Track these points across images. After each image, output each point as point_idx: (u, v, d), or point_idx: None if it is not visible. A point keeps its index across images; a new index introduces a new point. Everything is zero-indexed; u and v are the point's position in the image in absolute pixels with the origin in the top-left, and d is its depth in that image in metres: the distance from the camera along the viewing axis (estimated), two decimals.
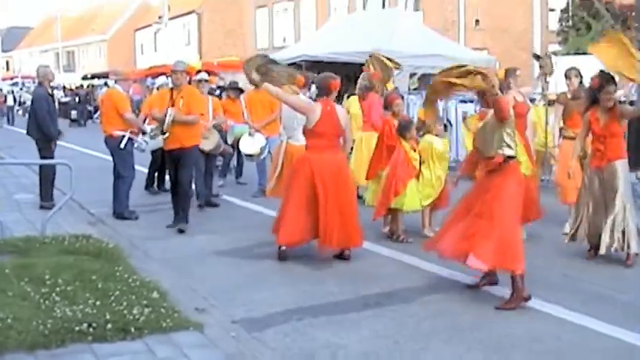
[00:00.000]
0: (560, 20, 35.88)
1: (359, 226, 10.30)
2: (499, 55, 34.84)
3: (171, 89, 12.71)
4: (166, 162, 13.17)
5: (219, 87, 23.38)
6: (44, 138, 14.32)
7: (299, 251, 10.35)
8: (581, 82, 12.41)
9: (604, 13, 33.10)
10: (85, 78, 56.87)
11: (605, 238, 9.76)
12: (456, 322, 7.80)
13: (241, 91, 17.23)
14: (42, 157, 14.30)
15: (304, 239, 10.23)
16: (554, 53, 34.08)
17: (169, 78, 14.09)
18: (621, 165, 9.95)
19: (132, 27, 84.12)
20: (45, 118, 14.30)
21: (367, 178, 12.48)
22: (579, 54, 29.44)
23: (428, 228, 11.77)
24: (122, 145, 13.43)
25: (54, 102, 16.16)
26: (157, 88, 17.16)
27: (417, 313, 8.04)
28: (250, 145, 15.26)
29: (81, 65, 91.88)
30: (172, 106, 12.28)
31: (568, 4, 35.09)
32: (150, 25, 72.57)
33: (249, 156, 15.52)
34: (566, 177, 10.95)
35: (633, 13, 33.82)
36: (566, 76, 12.79)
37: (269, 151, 15.00)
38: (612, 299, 8.54)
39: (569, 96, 12.36)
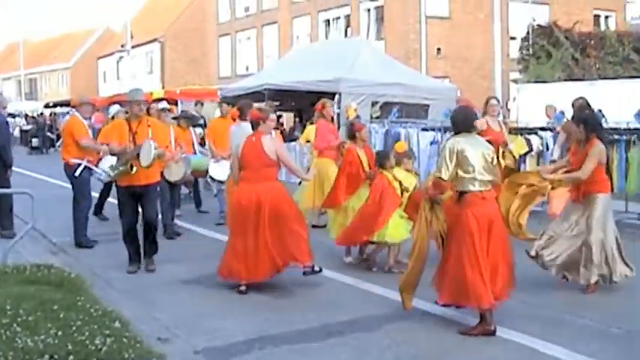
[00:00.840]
0: (520, 48, 36.16)
1: (307, 245, 10.31)
2: (461, 82, 35.11)
3: (128, 120, 11.61)
4: (123, 198, 11.59)
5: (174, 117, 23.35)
6: (1, 165, 14.19)
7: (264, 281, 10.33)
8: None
9: (563, 41, 33.49)
10: (47, 106, 56.56)
11: (583, 271, 9.84)
12: (420, 350, 7.85)
13: (192, 120, 17.25)
14: None
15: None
16: (515, 81, 34.50)
17: (123, 107, 14.11)
18: (600, 198, 9.88)
19: (95, 55, 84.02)
20: (5, 146, 14.22)
21: (325, 206, 12.52)
22: (540, 82, 29.74)
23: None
24: (77, 173, 13.40)
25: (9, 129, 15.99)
26: (112, 117, 16.61)
27: (380, 342, 8.06)
28: (221, 171, 15.27)
29: (43, 93, 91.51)
30: (134, 138, 11.24)
31: (528, 32, 35.41)
32: (112, 53, 72.37)
33: (222, 182, 15.54)
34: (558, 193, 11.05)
35: (592, 41, 34.28)
36: (573, 106, 12.93)
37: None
38: (570, 324, 8.63)
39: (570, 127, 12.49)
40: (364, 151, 12.33)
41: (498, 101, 14.40)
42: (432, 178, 8.68)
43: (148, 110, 16.34)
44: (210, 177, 15.75)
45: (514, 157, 13.63)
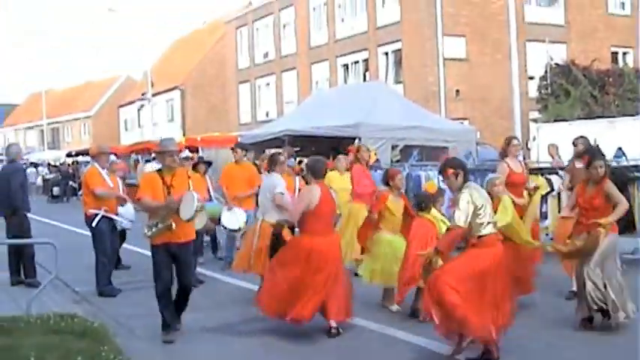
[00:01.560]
0: (539, 88, 36.21)
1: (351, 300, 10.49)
2: (480, 123, 35.21)
3: (161, 172, 10.44)
4: (158, 257, 10.35)
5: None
6: (15, 212, 14.26)
7: (285, 327, 10.32)
8: None
9: (582, 79, 33.52)
10: (69, 155, 56.91)
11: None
12: None
13: (209, 165, 17.26)
14: (13, 234, 14.21)
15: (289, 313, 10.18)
16: (535, 120, 34.44)
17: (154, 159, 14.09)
18: (608, 236, 9.75)
19: (116, 103, 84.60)
20: (17, 191, 14.29)
21: (363, 253, 12.38)
22: (559, 120, 29.72)
23: None
24: (94, 224, 13.42)
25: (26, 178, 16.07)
26: None
27: None
28: (234, 220, 15.26)
29: (66, 141, 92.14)
30: (169, 192, 10.18)
31: (546, 71, 35.45)
32: (134, 102, 72.84)
33: (234, 231, 15.50)
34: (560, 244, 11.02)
35: (610, 79, 34.27)
36: (574, 144, 12.89)
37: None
38: None
39: (576, 165, 12.37)
40: (400, 198, 12.07)
41: (519, 141, 14.33)
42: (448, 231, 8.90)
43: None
44: (223, 225, 15.60)
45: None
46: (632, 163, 14.80)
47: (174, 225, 10.03)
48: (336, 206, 10.61)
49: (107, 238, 13.67)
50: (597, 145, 10.22)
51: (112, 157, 16.75)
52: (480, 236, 8.55)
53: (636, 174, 14.09)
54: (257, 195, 15.98)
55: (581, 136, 12.96)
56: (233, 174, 16.03)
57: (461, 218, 8.45)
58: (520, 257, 11.04)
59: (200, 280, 14.54)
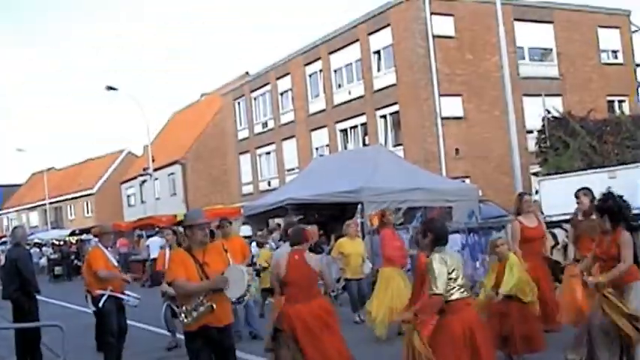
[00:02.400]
0: (537, 141, 36.32)
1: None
2: (481, 181, 35.29)
3: (189, 249, 9.30)
4: (196, 345, 9.11)
5: None
6: (26, 297, 14.28)
7: None
8: (592, 201, 12.40)
9: (579, 130, 33.63)
10: (72, 234, 57.01)
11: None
12: None
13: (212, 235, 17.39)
14: (21, 318, 14.19)
15: None
16: (535, 174, 34.53)
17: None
18: (633, 287, 9.49)
19: (118, 179, 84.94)
20: (31, 278, 14.36)
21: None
22: (559, 173, 29.79)
23: None
24: (100, 304, 13.35)
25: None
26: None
27: None
28: (236, 289, 15.31)
29: (69, 220, 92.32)
30: (204, 271, 9.14)
31: (544, 125, 35.61)
32: (135, 177, 73.13)
33: (238, 301, 15.53)
34: (566, 297, 11.02)
35: (608, 128, 34.41)
36: (576, 197, 12.89)
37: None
38: None
39: (579, 217, 12.41)
40: None
41: (530, 196, 14.36)
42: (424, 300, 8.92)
43: (175, 233, 16.66)
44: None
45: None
46: (635, 211, 14.80)
47: (214, 306, 8.89)
48: (312, 272, 10.60)
49: (114, 318, 13.52)
50: (620, 196, 10.10)
51: None
52: (447, 301, 8.39)
53: None
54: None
55: (584, 188, 12.96)
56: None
57: (438, 286, 8.29)
58: (526, 316, 11.06)
59: None
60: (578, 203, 12.79)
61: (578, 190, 12.88)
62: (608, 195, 9.84)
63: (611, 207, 9.74)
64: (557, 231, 16.76)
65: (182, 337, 16.04)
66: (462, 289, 8.46)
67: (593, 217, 11.41)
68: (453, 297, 8.39)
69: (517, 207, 13.66)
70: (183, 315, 8.92)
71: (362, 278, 17.14)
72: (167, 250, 16.72)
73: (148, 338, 16.67)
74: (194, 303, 8.85)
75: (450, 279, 8.37)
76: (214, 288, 8.95)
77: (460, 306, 8.41)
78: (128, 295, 13.71)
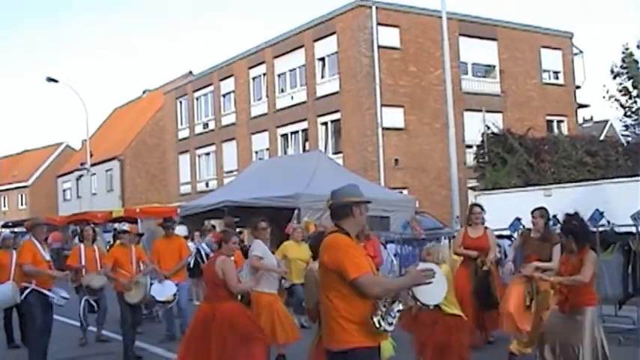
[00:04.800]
0: (476, 156, 36.63)
1: None
2: (419, 192, 35.55)
3: None
4: None
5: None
6: None
7: None
8: (546, 223, 12.54)
9: (517, 147, 33.97)
10: (5, 226, 56.16)
11: None
12: None
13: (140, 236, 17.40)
14: None
15: None
16: (472, 188, 34.84)
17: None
18: (589, 311, 9.52)
19: (54, 173, 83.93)
20: None
21: None
22: (496, 188, 30.07)
23: None
24: (23, 297, 13.00)
25: None
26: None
27: None
28: (162, 292, 15.33)
29: (2, 212, 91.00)
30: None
31: (483, 140, 35.91)
32: (72, 172, 72.38)
33: (163, 303, 15.58)
34: (508, 307, 11.13)
35: (546, 146, 34.84)
36: (532, 216, 12.95)
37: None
38: None
39: (532, 235, 12.45)
40: None
41: (482, 208, 14.36)
42: None
43: (82, 232, 16.55)
44: (152, 297, 15.51)
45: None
46: None
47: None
48: (216, 276, 10.71)
49: (37, 313, 13.06)
50: (554, 216, 10.20)
51: None
52: None
53: None
54: (188, 266, 16.35)
55: (540, 208, 13.03)
56: (162, 248, 16.15)
57: None
58: (447, 324, 11.13)
59: (138, 355, 14.39)
60: (533, 223, 12.86)
61: (535, 210, 12.91)
62: (572, 216, 9.87)
63: (576, 227, 9.82)
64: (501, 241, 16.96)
65: (94, 330, 16.17)
66: None
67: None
68: None
69: (467, 217, 13.95)
70: (382, 320, 6.56)
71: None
72: (82, 247, 16.52)
73: (74, 333, 16.47)
74: (383, 304, 6.65)
75: None
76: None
77: None
78: (54, 293, 13.23)
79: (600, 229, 14.26)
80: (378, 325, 6.48)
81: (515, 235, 15.48)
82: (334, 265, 6.52)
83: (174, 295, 15.37)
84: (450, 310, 11.19)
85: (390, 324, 6.55)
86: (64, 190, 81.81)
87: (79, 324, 16.48)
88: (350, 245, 6.66)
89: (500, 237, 17.60)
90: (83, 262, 16.17)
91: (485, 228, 13.98)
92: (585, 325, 9.40)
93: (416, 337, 11.44)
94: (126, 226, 15.95)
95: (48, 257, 13.43)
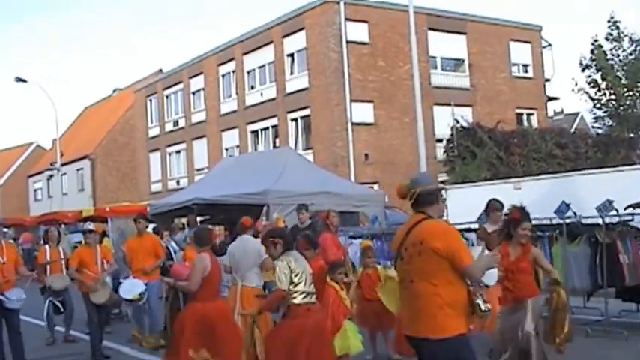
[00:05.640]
0: (445, 150, 36.70)
1: None
2: (389, 187, 35.33)
3: None
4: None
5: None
6: None
7: None
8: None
9: (487, 141, 34.04)
10: None
11: None
12: None
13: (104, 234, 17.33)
14: None
15: None
16: (443, 183, 34.80)
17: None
18: (531, 302, 9.42)
19: (25, 173, 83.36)
20: None
21: None
22: (466, 182, 30.12)
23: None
24: None
25: None
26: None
27: None
28: (130, 290, 15.21)
29: None
30: None
31: (452, 134, 35.97)
32: (43, 172, 71.99)
33: (129, 301, 15.45)
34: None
35: (515, 140, 34.94)
36: (487, 207, 12.81)
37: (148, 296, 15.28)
38: None
39: (488, 230, 12.20)
40: None
41: (502, 205, 13.91)
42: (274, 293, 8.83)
43: (46, 233, 16.40)
44: (119, 295, 15.41)
45: None
46: (534, 222, 14.95)
47: None
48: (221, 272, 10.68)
49: None
50: (524, 207, 10.09)
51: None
52: (289, 305, 8.51)
53: (539, 233, 14.25)
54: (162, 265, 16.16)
55: (494, 199, 12.93)
56: (135, 246, 16.01)
57: (282, 281, 8.46)
58: None
59: (106, 354, 14.30)
60: (486, 218, 12.78)
61: (490, 202, 12.83)
62: (518, 208, 9.79)
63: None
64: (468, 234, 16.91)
65: (62, 330, 16.06)
66: (306, 295, 8.54)
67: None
68: (295, 301, 8.49)
69: (487, 215, 13.88)
70: (482, 303, 6.80)
71: None
72: (47, 248, 16.38)
73: (42, 334, 16.34)
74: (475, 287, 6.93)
75: (292, 282, 8.49)
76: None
77: (300, 312, 8.45)
78: (4, 296, 12.70)
79: (567, 220, 14.29)
80: (483, 308, 6.68)
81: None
82: (449, 252, 6.55)
83: (142, 293, 15.24)
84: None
85: (486, 304, 6.75)
86: (35, 191, 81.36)
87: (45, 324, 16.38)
88: (457, 232, 6.93)
89: (468, 230, 17.60)
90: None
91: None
92: (528, 312, 9.32)
93: (397, 331, 11.48)
94: (91, 226, 15.78)
95: (4, 259, 13.05)
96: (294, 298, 8.46)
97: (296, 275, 8.49)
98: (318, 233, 14.46)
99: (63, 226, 35.05)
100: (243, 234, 13.05)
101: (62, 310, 15.95)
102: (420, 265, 6.65)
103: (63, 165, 61.81)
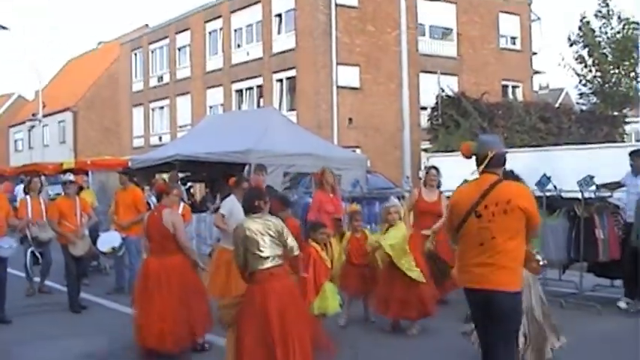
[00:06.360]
0: (430, 118, 36.80)
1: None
2: (372, 152, 35.53)
3: None
4: None
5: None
6: None
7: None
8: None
9: (471, 111, 34.13)
10: None
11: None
12: None
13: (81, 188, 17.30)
14: None
15: None
16: (425, 150, 34.96)
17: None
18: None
19: (6, 123, 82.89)
20: None
21: None
22: (449, 151, 30.19)
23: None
24: None
25: None
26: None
27: None
28: (106, 243, 15.26)
29: None
30: None
31: (437, 102, 36.04)
32: (24, 122, 71.62)
33: (103, 254, 15.51)
34: None
35: (500, 111, 35.02)
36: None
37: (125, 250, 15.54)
38: None
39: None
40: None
41: (438, 171, 14.40)
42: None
43: (29, 183, 16.26)
44: (97, 248, 15.43)
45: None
46: None
47: None
48: (164, 228, 10.53)
49: None
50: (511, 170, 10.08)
51: None
52: (253, 272, 8.20)
53: None
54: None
55: (432, 166, 13.28)
56: (120, 199, 16.01)
57: (294, 242, 8.35)
58: (405, 281, 11.25)
59: (83, 305, 14.33)
60: None
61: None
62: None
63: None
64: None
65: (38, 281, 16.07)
66: (273, 259, 8.16)
67: None
68: (260, 267, 8.15)
69: (424, 179, 14.05)
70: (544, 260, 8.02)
71: None
72: (28, 198, 16.26)
73: (20, 285, 16.33)
74: None
75: (258, 248, 8.14)
76: None
77: (263, 277, 8.13)
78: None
79: (547, 193, 14.34)
80: (542, 262, 7.65)
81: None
82: (532, 212, 7.06)
83: (115, 248, 15.29)
84: (412, 274, 11.33)
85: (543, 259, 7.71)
86: (16, 141, 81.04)
87: (24, 275, 16.36)
88: None
89: (448, 198, 17.67)
90: (30, 214, 15.93)
91: (440, 192, 14.02)
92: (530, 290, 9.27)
93: (377, 293, 11.80)
94: (71, 177, 15.67)
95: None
96: (262, 264, 8.12)
97: (257, 241, 8.13)
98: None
99: (43, 177, 34.89)
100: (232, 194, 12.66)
101: (40, 261, 15.91)
102: (504, 223, 6.98)
103: (45, 116, 61.56)
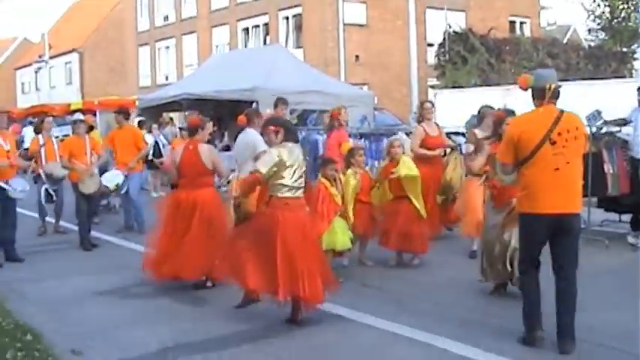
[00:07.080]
0: (437, 55, 36.67)
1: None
2: (379, 89, 35.48)
3: None
4: None
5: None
6: None
7: (178, 289, 10.40)
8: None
9: (479, 47, 34.00)
10: None
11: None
12: (335, 353, 7.92)
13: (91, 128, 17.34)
14: None
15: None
16: (432, 87, 34.88)
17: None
18: (513, 201, 9.06)
19: (12, 65, 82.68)
20: None
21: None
22: (456, 87, 30.14)
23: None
24: None
25: None
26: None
27: (293, 346, 8.05)
28: (109, 180, 15.39)
29: None
30: None
31: (444, 38, 35.87)
32: (30, 64, 71.43)
33: (107, 188, 15.66)
34: (466, 211, 11.33)
35: (507, 47, 34.86)
36: (479, 113, 12.71)
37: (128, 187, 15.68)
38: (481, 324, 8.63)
39: (478, 136, 11.64)
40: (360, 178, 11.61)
41: (432, 104, 14.53)
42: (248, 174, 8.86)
43: (41, 123, 16.25)
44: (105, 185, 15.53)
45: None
46: None
47: None
48: (201, 163, 10.57)
49: None
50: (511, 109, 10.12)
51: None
52: (271, 196, 8.43)
53: None
54: (146, 157, 16.35)
55: (487, 105, 12.85)
56: (118, 138, 16.06)
57: (263, 165, 8.30)
58: (411, 216, 11.34)
59: (94, 243, 14.45)
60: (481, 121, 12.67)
61: (483, 108, 12.74)
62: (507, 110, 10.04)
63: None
64: (456, 138, 17.00)
65: (52, 221, 16.16)
66: (289, 190, 8.38)
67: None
68: (279, 194, 8.37)
69: (418, 114, 13.93)
70: None
71: None
72: (40, 137, 16.21)
73: (32, 224, 16.47)
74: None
75: (282, 176, 8.34)
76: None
77: (279, 204, 8.35)
78: (9, 186, 12.85)
79: None
80: None
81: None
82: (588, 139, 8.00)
83: (118, 184, 15.43)
84: (416, 203, 11.42)
85: None
86: (23, 83, 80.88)
87: (36, 215, 16.48)
88: None
89: (456, 134, 17.71)
90: (43, 153, 15.92)
91: (437, 124, 14.11)
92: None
93: (380, 225, 11.85)
94: (81, 116, 15.73)
95: (8, 147, 13.08)
96: (278, 191, 8.35)
97: (286, 168, 8.32)
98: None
99: (51, 118, 34.95)
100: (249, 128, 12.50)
101: (54, 199, 15.91)
102: (575, 148, 7.50)
103: (51, 58, 61.35)
